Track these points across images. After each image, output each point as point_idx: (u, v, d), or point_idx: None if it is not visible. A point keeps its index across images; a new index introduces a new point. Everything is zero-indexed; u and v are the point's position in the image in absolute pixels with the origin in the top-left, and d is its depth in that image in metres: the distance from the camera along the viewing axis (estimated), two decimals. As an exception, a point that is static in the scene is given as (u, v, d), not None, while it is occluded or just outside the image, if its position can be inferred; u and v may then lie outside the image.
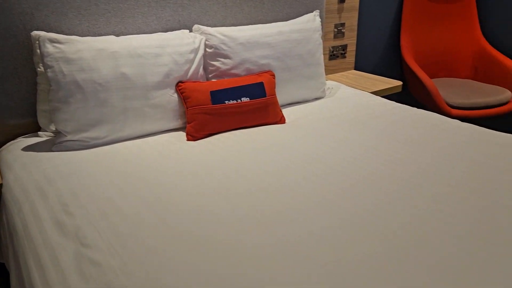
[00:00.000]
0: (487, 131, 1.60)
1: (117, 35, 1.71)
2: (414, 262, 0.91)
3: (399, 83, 2.42)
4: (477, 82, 2.87)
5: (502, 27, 2.89)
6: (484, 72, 2.88)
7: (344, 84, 2.36)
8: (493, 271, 0.88)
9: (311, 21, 1.96)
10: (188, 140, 1.60)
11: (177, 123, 1.68)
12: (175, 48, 1.64)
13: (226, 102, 1.63)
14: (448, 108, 2.54)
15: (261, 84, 1.71)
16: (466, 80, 2.91)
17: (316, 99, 2.02)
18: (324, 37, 2.46)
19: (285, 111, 1.87)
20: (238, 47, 1.77)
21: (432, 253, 0.94)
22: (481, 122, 3.16)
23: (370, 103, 1.95)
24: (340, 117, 1.77)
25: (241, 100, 1.65)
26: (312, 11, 2.16)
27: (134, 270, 0.91)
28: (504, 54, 2.93)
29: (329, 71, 2.59)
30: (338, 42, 2.56)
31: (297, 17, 2.12)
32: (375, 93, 2.31)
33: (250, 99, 1.67)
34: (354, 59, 2.69)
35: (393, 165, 1.35)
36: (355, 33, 2.60)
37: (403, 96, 3.11)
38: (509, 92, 2.61)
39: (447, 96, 2.59)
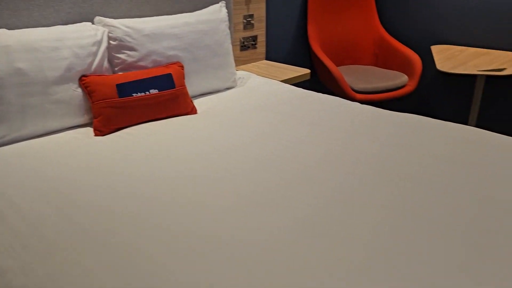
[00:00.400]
0: (382, 111, 1.75)
1: (11, 29, 1.60)
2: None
3: (307, 71, 2.53)
4: (378, 68, 3.10)
5: (398, 17, 3.15)
6: (384, 59, 3.11)
7: (255, 74, 2.43)
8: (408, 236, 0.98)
9: (217, 12, 1.99)
10: (96, 135, 1.55)
11: (83, 119, 1.62)
12: (75, 41, 1.58)
13: (134, 94, 1.61)
14: (353, 93, 2.71)
15: (169, 76, 1.71)
16: (368, 67, 3.13)
17: (227, 89, 2.06)
18: (234, 28, 2.51)
19: (196, 102, 1.89)
20: (144, 38, 1.75)
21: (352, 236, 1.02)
22: (383, 104, 3.42)
23: (279, 91, 2.03)
24: (250, 105, 1.83)
25: (149, 92, 1.64)
26: (218, 2, 2.19)
27: (36, 269, 0.88)
28: (401, 42, 3.18)
29: (241, 61, 2.64)
30: (248, 33, 2.62)
31: (204, 8, 2.13)
32: (285, 81, 2.40)
33: (159, 91, 1.66)
34: (264, 49, 2.77)
35: (298, 145, 1.43)
36: (264, 24, 2.68)
37: (314, 84, 3.27)
38: (406, 77, 2.85)
39: (351, 81, 2.77)
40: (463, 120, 3.01)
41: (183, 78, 1.77)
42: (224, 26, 1.99)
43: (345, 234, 0.97)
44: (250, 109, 1.78)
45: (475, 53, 2.63)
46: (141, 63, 1.75)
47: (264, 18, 2.66)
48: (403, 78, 2.82)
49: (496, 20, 2.67)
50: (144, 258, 0.90)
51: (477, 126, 2.93)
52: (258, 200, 1.11)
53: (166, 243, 0.95)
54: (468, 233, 0.98)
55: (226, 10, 2.04)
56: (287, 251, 0.92)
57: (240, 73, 2.30)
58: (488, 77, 2.80)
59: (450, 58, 2.54)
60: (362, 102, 2.73)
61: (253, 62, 2.72)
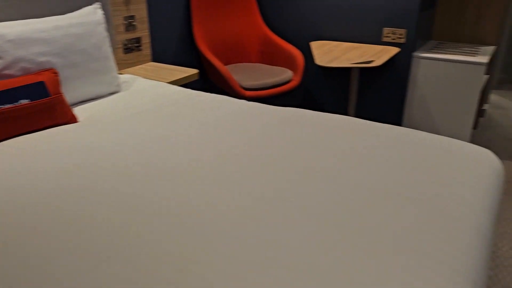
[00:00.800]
0: (265, 106, 1.83)
1: None
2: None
3: (195, 71, 2.54)
4: (264, 65, 3.22)
5: (279, 16, 3.29)
6: (269, 56, 3.24)
7: (141, 76, 2.36)
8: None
9: (91, 14, 1.89)
10: (-43, 155, 1.39)
11: None
12: None
13: (1, 106, 1.46)
14: (242, 90, 2.78)
15: (41, 84, 1.58)
16: (255, 64, 3.23)
17: (111, 94, 1.98)
18: (115, 30, 2.41)
19: (78, 110, 1.78)
20: (7, 44, 1.59)
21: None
22: (272, 100, 3.57)
23: (167, 93, 2.01)
24: (136, 109, 1.78)
25: (19, 103, 1.51)
26: (92, 4, 2.08)
27: None
28: (284, 39, 3.34)
29: (126, 64, 2.55)
30: (130, 35, 2.54)
31: (77, 10, 2.02)
32: (173, 82, 2.37)
33: (31, 101, 1.53)
34: (150, 51, 2.71)
35: (185, 146, 1.43)
36: (147, 25, 2.62)
37: (204, 83, 3.29)
38: (290, 72, 3.00)
39: (240, 79, 2.84)
40: (344, 111, 3.26)
41: (59, 86, 1.66)
42: (101, 28, 1.90)
43: (224, 227, 1.00)
44: (136, 113, 1.73)
45: (348, 48, 2.86)
46: (7, 72, 1.60)
47: (146, 19, 2.60)
48: (288, 73, 2.96)
49: (365, 18, 2.93)
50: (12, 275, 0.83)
51: (356, 115, 3.20)
52: (142, 207, 1.09)
53: (40, 254, 0.89)
54: (346, 219, 1.06)
55: (102, 12, 1.96)
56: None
57: (124, 77, 2.22)
58: (362, 69, 3.07)
59: (327, 53, 2.73)
60: (252, 98, 2.81)
61: (139, 64, 2.65)
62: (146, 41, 2.65)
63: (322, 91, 3.31)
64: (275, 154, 1.38)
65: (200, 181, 1.22)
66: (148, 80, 2.23)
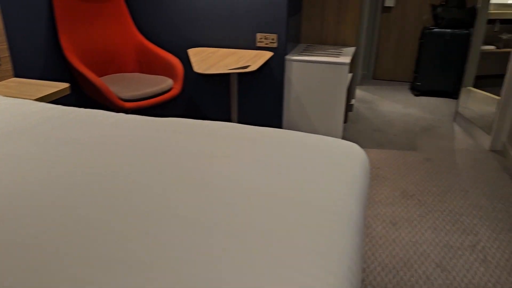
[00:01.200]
0: (145, 117, 1.78)
1: None
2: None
3: (66, 85, 2.37)
4: (143, 74, 3.14)
5: (154, 24, 3.23)
6: (147, 65, 3.16)
7: (1, 95, 2.13)
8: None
9: None
10: None
11: None
12: None
13: None
14: (121, 102, 2.67)
15: None
16: (134, 74, 3.13)
17: (-35, 117, 1.75)
18: (-36, 45, 2.14)
19: None
20: None
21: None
22: (155, 111, 3.50)
23: (33, 111, 1.84)
24: (-4, 133, 1.60)
25: None
26: None
27: None
28: (160, 47, 3.29)
29: (-19, 82, 2.28)
30: (-15, 49, 2.27)
31: None
32: (41, 99, 2.19)
33: None
34: (11, 66, 2.45)
35: (52, 166, 1.33)
36: (4, 37, 2.37)
37: (80, 98, 3.09)
38: (171, 80, 2.97)
39: (118, 91, 2.72)
40: (227, 117, 3.33)
41: None
42: None
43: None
44: (-3, 138, 1.56)
45: (225, 54, 2.93)
46: None
47: (2, 31, 2.35)
48: (168, 82, 2.93)
49: (238, 24, 3.03)
50: None
51: (239, 121, 3.29)
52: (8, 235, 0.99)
53: None
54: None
55: None
56: None
57: (-19, 97, 1.98)
58: (240, 74, 3.17)
59: (205, 60, 2.76)
60: (132, 110, 2.72)
61: (-2, 81, 2.39)
62: (4, 55, 2.39)
63: (204, 99, 3.34)
64: (157, 165, 1.36)
65: (73, 201, 1.14)
66: (10, 98, 2.02)
